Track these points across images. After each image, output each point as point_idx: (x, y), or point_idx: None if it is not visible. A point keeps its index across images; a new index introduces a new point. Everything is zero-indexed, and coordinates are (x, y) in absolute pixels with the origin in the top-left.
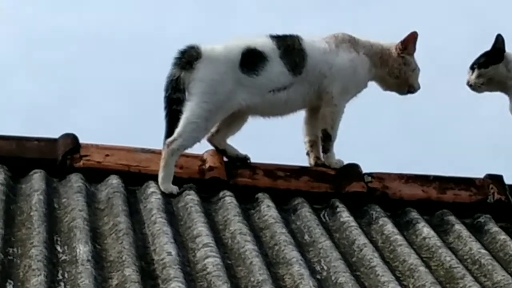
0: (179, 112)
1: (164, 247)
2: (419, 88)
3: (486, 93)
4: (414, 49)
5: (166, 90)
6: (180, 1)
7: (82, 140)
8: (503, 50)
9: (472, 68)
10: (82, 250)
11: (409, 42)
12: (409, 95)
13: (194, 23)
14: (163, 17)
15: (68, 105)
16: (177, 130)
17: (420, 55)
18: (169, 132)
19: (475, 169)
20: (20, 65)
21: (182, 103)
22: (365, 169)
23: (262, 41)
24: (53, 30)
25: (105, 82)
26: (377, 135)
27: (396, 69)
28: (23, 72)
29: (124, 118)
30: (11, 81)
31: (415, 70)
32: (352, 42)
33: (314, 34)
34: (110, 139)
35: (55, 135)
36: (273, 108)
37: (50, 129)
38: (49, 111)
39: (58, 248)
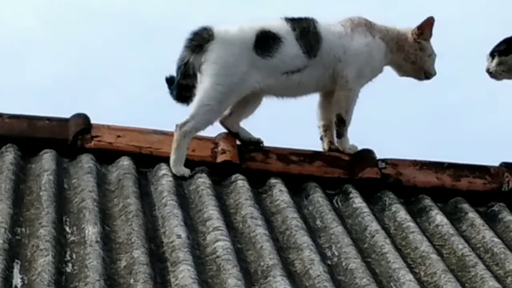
0: (189, 98)
1: (174, 229)
2: (435, 73)
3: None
4: (431, 34)
5: (176, 74)
6: None
7: (104, 121)
8: None
9: (492, 55)
10: (91, 231)
11: (426, 27)
12: (425, 81)
13: (221, 6)
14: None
15: (92, 85)
16: (190, 112)
17: (445, 40)
18: None
19: (497, 157)
20: (43, 42)
21: (191, 89)
22: (383, 156)
23: (276, 23)
24: (79, 7)
25: (131, 63)
26: (397, 121)
27: (412, 54)
28: (45, 49)
29: (150, 100)
30: (33, 59)
31: (431, 55)
32: (368, 26)
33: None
34: (132, 121)
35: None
36: (287, 90)
37: (71, 109)
38: (71, 91)
39: (67, 228)
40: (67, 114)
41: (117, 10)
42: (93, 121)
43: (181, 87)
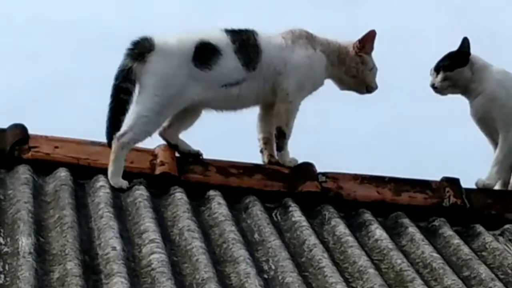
0: (126, 102)
1: (109, 241)
2: (376, 87)
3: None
4: (372, 48)
5: (116, 78)
6: None
7: (65, 134)
8: (469, 53)
9: (437, 70)
10: (25, 242)
11: (367, 41)
12: (366, 95)
13: (182, 17)
14: (150, 11)
15: (52, 98)
16: (128, 124)
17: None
18: (113, 121)
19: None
20: (4, 55)
21: (130, 93)
22: (325, 169)
23: (216, 35)
24: (39, 20)
25: (92, 76)
26: (342, 135)
27: (354, 68)
28: (6, 62)
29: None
30: None
31: (373, 69)
32: (309, 39)
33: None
34: (92, 134)
35: (37, 128)
36: (226, 103)
37: (31, 121)
38: (31, 103)
39: (1, 239)
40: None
41: (74, 21)
42: (48, 133)
43: (120, 89)
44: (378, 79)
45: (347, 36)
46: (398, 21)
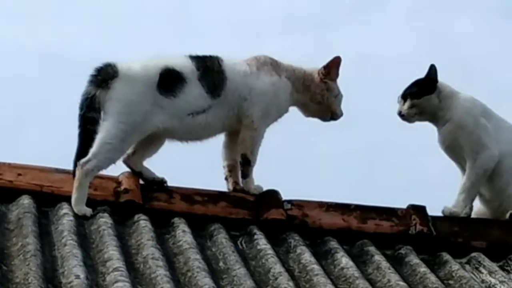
0: (93, 132)
1: (72, 270)
2: (341, 114)
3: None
4: (337, 74)
5: (81, 108)
6: (141, 22)
7: (33, 162)
8: (436, 81)
9: (404, 97)
10: None
11: (332, 67)
12: (331, 122)
13: (155, 45)
14: (123, 37)
15: (19, 125)
16: (92, 151)
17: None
18: (81, 151)
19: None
20: None
21: (96, 122)
22: (291, 197)
23: (180, 61)
24: (7, 45)
25: (59, 102)
26: (306, 162)
27: (319, 94)
28: None
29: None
30: None
31: (338, 96)
32: (274, 65)
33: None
34: (62, 161)
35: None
36: (192, 132)
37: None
38: None
39: None
40: None
41: (44, 49)
42: (12, 160)
43: (86, 120)
44: (346, 105)
45: (316, 62)
46: (367, 47)
